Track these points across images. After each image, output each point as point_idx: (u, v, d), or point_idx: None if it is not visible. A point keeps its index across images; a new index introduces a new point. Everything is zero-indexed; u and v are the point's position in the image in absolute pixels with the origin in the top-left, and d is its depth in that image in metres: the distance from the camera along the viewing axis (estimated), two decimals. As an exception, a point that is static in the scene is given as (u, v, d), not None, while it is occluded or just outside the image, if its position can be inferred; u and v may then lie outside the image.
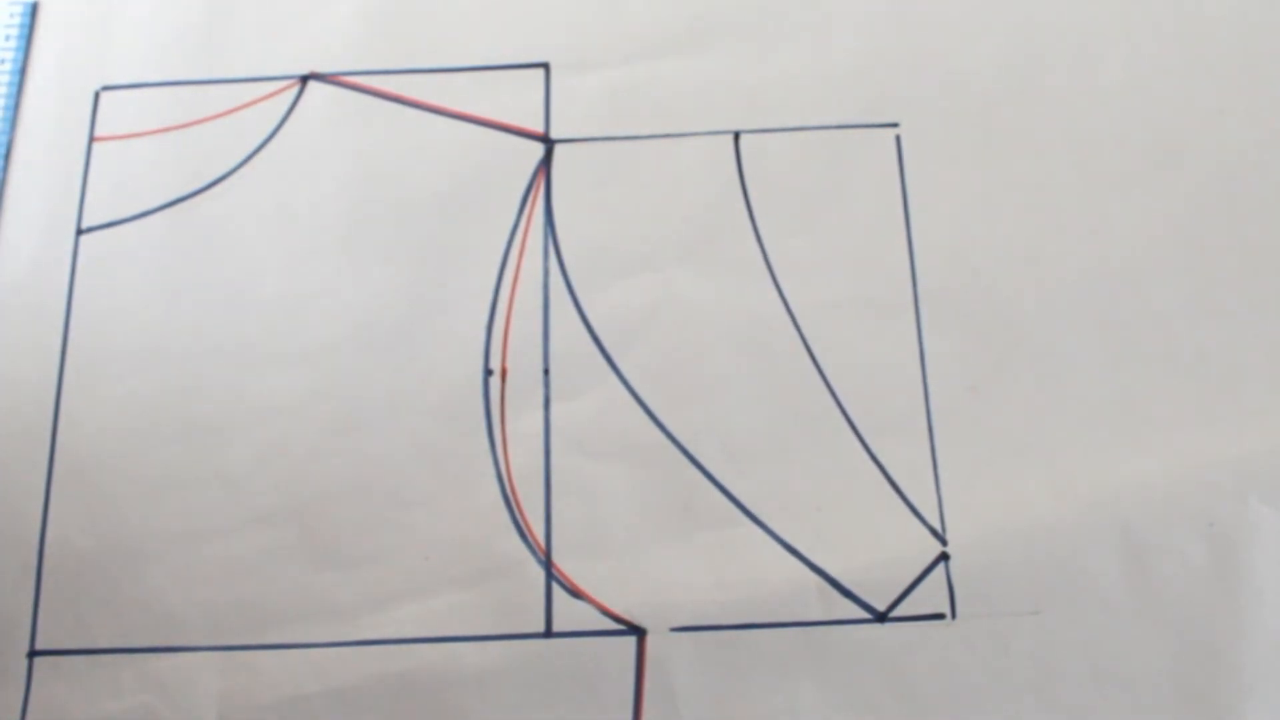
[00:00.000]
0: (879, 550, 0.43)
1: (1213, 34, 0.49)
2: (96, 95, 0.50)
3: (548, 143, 0.49)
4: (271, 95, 0.50)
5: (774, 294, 0.46)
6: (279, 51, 0.51)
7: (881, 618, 0.42)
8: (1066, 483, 0.43)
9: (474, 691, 0.42)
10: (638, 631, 0.42)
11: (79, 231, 0.48)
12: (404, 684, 0.42)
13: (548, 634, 0.42)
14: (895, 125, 0.48)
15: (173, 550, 0.44)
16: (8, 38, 0.51)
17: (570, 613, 0.43)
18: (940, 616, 0.42)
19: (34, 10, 0.52)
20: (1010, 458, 0.44)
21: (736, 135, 0.48)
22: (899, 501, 0.43)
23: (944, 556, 0.43)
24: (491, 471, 0.44)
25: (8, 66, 0.51)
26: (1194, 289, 0.45)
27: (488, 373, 0.46)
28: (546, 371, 0.46)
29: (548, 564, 0.43)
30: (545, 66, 0.50)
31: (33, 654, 0.43)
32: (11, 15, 0.52)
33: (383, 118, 0.49)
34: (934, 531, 0.43)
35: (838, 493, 0.44)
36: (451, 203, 0.48)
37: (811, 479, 0.44)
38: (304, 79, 0.50)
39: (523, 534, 0.44)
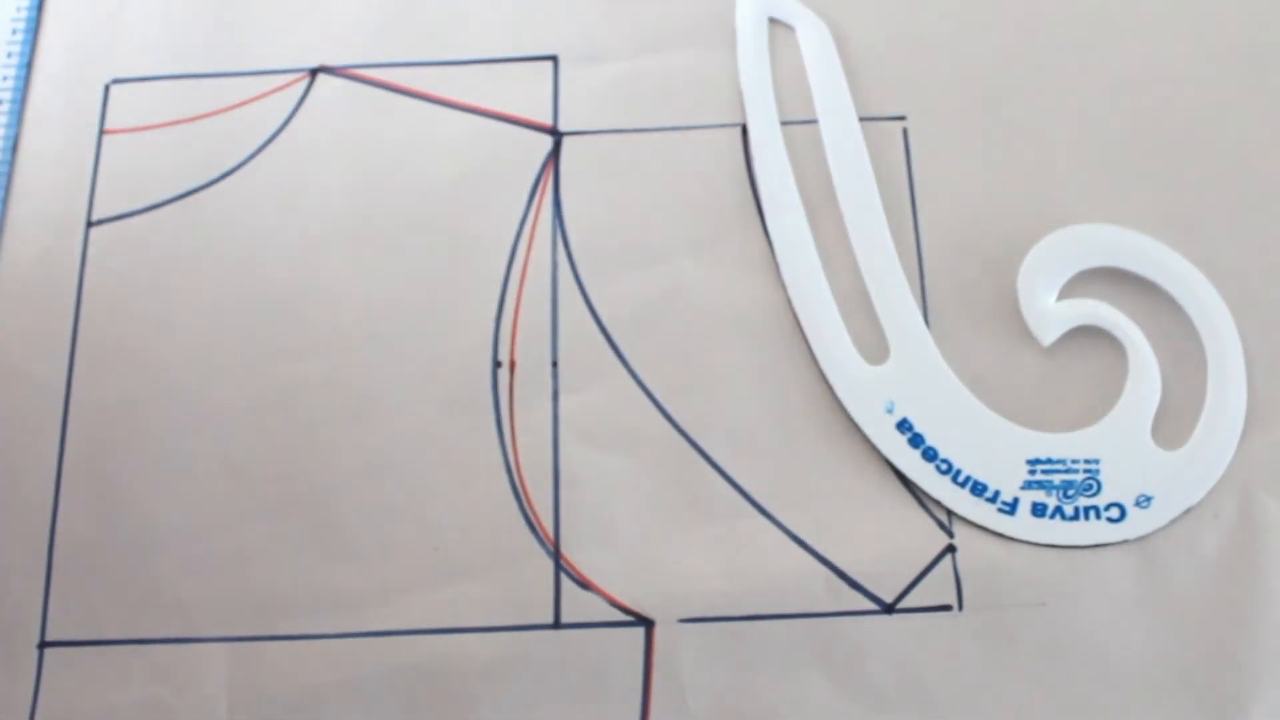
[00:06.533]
0: (886, 542, 0.43)
1: (1222, 26, 0.49)
2: (107, 88, 0.50)
3: (556, 135, 0.49)
4: (281, 88, 0.50)
5: (782, 287, 0.46)
6: (288, 45, 0.51)
7: (889, 609, 0.42)
8: (1073, 475, 0.43)
9: (482, 682, 0.42)
10: (646, 623, 0.42)
11: (89, 224, 0.48)
12: (413, 675, 0.42)
13: (556, 625, 0.43)
14: (902, 118, 0.48)
15: (182, 541, 0.44)
16: (15, 30, 0.51)
17: (578, 604, 0.43)
18: (947, 608, 0.42)
19: (40, 3, 0.52)
20: (1017, 450, 0.44)
21: (744, 128, 0.48)
22: (906, 493, 0.44)
23: (951, 549, 0.43)
24: (500, 463, 0.44)
25: (15, 60, 0.51)
26: (1201, 282, 0.45)
27: (496, 365, 0.46)
28: (555, 364, 0.46)
29: (556, 555, 0.43)
30: (554, 59, 0.50)
31: (43, 645, 0.43)
32: (19, 9, 0.52)
33: (392, 110, 0.49)
34: (941, 524, 0.43)
35: (845, 485, 0.44)
36: (460, 195, 0.48)
37: (819, 471, 0.44)
38: (313, 72, 0.50)
39: (531, 525, 0.44)
